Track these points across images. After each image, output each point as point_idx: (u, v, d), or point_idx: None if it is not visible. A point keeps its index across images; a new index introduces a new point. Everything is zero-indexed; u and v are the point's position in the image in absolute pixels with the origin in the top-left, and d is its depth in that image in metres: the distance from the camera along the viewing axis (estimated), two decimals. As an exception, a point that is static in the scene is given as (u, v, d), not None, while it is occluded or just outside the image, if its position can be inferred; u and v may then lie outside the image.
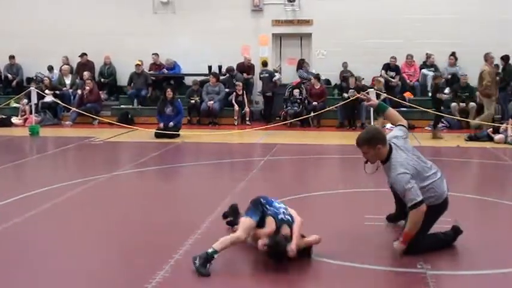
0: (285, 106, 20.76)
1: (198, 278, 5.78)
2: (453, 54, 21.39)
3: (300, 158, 13.85)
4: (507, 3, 21.29)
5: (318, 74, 21.06)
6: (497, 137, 16.02)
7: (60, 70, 22.94)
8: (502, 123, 17.00)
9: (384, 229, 7.46)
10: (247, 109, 20.79)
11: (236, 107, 20.71)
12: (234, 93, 20.89)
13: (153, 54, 22.72)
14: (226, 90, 21.09)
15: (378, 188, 9.04)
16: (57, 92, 21.51)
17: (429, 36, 21.36)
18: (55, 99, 20.81)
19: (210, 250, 5.93)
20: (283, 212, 6.40)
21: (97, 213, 8.41)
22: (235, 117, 20.69)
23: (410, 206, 6.24)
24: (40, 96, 20.11)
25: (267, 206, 6.41)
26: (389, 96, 18.70)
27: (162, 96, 18.10)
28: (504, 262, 6.20)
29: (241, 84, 21.02)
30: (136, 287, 5.49)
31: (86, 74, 22.11)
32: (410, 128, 18.86)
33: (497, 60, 19.96)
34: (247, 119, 20.76)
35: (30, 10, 23.48)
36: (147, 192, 10.09)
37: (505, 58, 19.72)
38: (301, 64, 21.88)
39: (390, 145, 6.55)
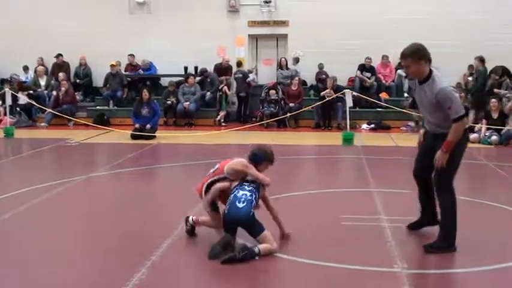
0: (261, 107, 20.76)
1: (174, 279, 5.77)
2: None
3: (277, 158, 13.82)
4: (483, 3, 21.42)
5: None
6: (471, 136, 16.10)
7: (35, 71, 22.77)
8: (476, 123, 17.12)
9: (361, 229, 7.49)
10: (223, 111, 20.80)
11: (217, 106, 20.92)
12: (217, 92, 20.92)
13: (129, 55, 22.62)
14: (203, 92, 21.07)
15: (354, 188, 9.09)
16: (32, 92, 21.34)
17: (405, 36, 21.22)
18: (29, 101, 20.65)
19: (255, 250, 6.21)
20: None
21: (73, 215, 8.36)
22: (218, 118, 20.72)
23: (455, 118, 6.42)
24: (15, 98, 19.95)
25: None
26: (365, 97, 18.80)
27: (138, 97, 18.00)
28: (480, 261, 6.24)
29: (224, 80, 21.15)
30: (113, 288, 5.48)
31: (61, 75, 21.97)
32: (386, 128, 19.11)
33: (472, 61, 20.15)
34: (221, 120, 20.69)
35: (5, 11, 23.30)
36: (124, 194, 10.06)
37: (480, 59, 19.89)
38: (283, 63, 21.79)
39: (431, 69, 6.65)
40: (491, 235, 7.31)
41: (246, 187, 6.58)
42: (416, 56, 6.61)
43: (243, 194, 6.49)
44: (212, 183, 6.92)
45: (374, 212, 8.32)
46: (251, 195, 6.48)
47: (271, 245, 6.32)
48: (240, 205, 6.39)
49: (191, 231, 7.10)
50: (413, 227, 7.38)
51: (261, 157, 6.95)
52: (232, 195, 6.54)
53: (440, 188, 6.72)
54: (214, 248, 6.19)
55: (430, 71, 6.64)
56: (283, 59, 21.91)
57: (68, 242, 7.08)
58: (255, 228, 6.37)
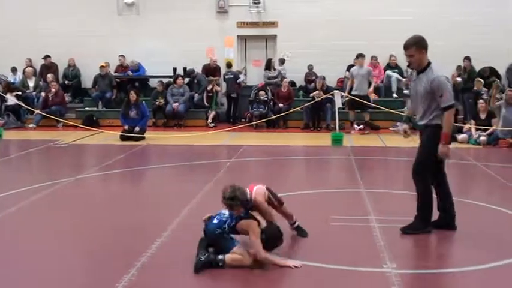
0: (250, 108, 20.76)
1: (164, 281, 5.77)
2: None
3: (266, 159, 13.88)
4: (470, 4, 21.50)
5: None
6: (460, 136, 16.21)
7: (24, 72, 22.69)
8: (465, 124, 17.19)
9: (350, 229, 7.52)
10: (213, 112, 20.81)
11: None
12: (205, 92, 20.89)
13: (119, 56, 22.57)
14: (191, 93, 21.07)
15: (344, 189, 9.10)
16: (20, 93, 21.27)
17: (393, 38, 21.36)
18: (18, 102, 20.58)
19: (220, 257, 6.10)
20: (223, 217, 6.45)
21: (62, 217, 8.34)
22: (209, 119, 20.73)
23: (445, 106, 6.95)
24: (3, 99, 19.87)
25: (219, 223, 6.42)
26: (354, 98, 18.82)
27: (126, 99, 17.96)
28: (469, 260, 6.28)
29: (213, 80, 21.13)
30: (103, 290, 5.47)
31: (49, 76, 21.93)
32: (375, 128, 19.15)
33: (461, 62, 20.27)
34: (210, 120, 20.69)
35: (-7, 12, 23.25)
36: (113, 195, 10.04)
37: (468, 59, 20.03)
38: (269, 64, 21.80)
39: (429, 61, 7.24)
40: (479, 235, 7.35)
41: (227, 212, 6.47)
42: (419, 45, 7.18)
43: (220, 213, 6.47)
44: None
45: (363, 212, 8.34)
46: (227, 218, 6.37)
47: (243, 256, 6.13)
48: (214, 220, 6.40)
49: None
50: (437, 225, 7.50)
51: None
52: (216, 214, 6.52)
53: (419, 175, 7.26)
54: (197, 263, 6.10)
55: (429, 62, 7.20)
56: (269, 60, 21.94)
57: (56, 243, 7.06)
58: (221, 245, 6.26)
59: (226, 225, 6.32)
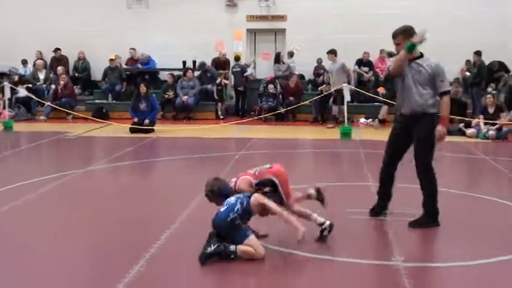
0: (259, 101, 20.74)
1: (173, 272, 5.76)
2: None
3: (274, 152, 13.84)
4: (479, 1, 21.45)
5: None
6: (469, 131, 16.16)
7: (34, 65, 22.73)
8: (473, 118, 17.13)
9: (359, 223, 7.49)
10: (223, 104, 20.87)
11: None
12: (215, 85, 20.91)
13: (130, 48, 22.56)
14: (202, 86, 21.06)
15: (353, 182, 9.07)
16: (30, 86, 21.31)
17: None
18: (29, 94, 20.61)
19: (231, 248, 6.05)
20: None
21: (72, 208, 8.35)
22: (219, 111, 20.85)
23: (445, 90, 7.22)
24: (13, 92, 19.92)
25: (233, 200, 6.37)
26: (362, 91, 18.80)
27: (136, 91, 17.97)
28: (478, 254, 6.25)
29: (222, 73, 21.15)
30: (113, 280, 5.46)
31: (59, 68, 21.96)
32: (382, 122, 19.09)
33: (470, 56, 20.21)
34: (220, 112, 20.73)
35: (3, 5, 23.25)
36: (122, 187, 10.04)
37: (478, 53, 19.94)
38: (278, 57, 21.73)
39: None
40: (489, 229, 7.32)
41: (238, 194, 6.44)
42: (407, 33, 7.26)
43: (228, 200, 6.36)
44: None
45: (372, 206, 8.30)
46: (235, 201, 6.27)
47: (256, 250, 6.06)
48: (222, 209, 6.28)
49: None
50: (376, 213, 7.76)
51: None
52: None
53: (424, 170, 7.39)
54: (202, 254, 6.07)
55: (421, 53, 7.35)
56: (278, 53, 21.88)
57: (66, 234, 7.07)
58: (234, 235, 6.14)
59: (239, 207, 6.20)
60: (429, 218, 7.31)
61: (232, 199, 6.33)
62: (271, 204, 6.21)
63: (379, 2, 21.57)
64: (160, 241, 6.57)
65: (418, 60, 7.25)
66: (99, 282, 5.62)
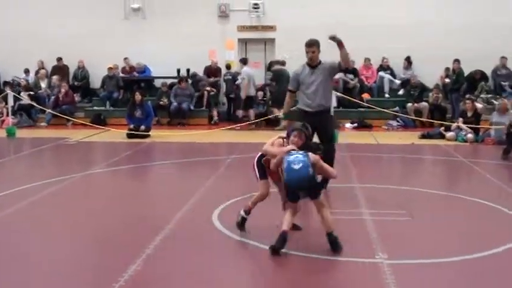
0: (250, 107, 20.74)
1: (169, 271, 5.77)
2: (407, 58, 21.65)
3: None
4: (459, 11, 21.48)
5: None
6: (448, 134, 16.23)
7: (36, 74, 22.73)
8: (453, 122, 17.20)
9: (344, 222, 7.51)
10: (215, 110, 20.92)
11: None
12: (206, 93, 20.93)
13: (125, 58, 22.57)
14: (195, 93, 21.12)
15: (338, 184, 9.09)
16: (32, 93, 21.30)
17: (386, 41, 21.49)
18: (30, 102, 20.58)
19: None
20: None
21: (72, 210, 8.34)
22: (215, 117, 20.90)
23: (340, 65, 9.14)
24: (16, 99, 19.90)
25: None
26: (348, 97, 18.88)
27: (132, 99, 17.96)
28: (458, 251, 6.29)
29: (206, 84, 21.22)
30: (110, 280, 5.44)
31: (54, 78, 22.14)
32: (368, 127, 19.21)
33: (450, 64, 20.34)
34: (215, 117, 20.79)
35: (4, 15, 23.17)
36: (120, 190, 10.04)
37: (457, 61, 20.09)
38: (270, 66, 21.76)
39: None
40: (468, 227, 7.38)
41: (295, 152, 6.34)
42: (318, 45, 9.10)
43: (295, 157, 6.24)
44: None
45: (356, 206, 8.35)
46: (304, 157, 6.22)
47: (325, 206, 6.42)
48: (296, 167, 6.16)
49: (241, 224, 6.84)
50: None
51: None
52: (286, 163, 6.28)
53: (333, 152, 9.09)
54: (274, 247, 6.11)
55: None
56: (271, 62, 21.86)
57: (65, 235, 7.06)
58: (317, 188, 6.38)
59: (309, 163, 6.21)
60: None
61: (299, 156, 6.26)
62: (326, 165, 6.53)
63: (365, 14, 21.54)
64: (156, 242, 6.57)
65: (318, 67, 9.11)
66: (97, 281, 5.62)
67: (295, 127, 6.69)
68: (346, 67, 9.38)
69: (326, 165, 6.51)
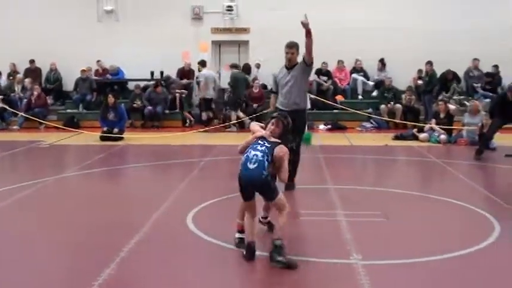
0: (224, 109, 20.72)
1: (143, 274, 5.72)
2: (381, 60, 21.78)
3: (238, 158, 13.79)
4: (431, 14, 21.69)
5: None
6: (421, 135, 16.35)
7: (9, 77, 22.54)
8: (426, 123, 17.34)
9: (318, 223, 7.52)
10: (186, 113, 20.87)
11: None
12: (178, 95, 20.86)
13: (98, 61, 22.43)
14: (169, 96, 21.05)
15: (312, 185, 9.10)
16: (3, 96, 21.07)
17: (359, 44, 21.59)
18: (3, 105, 20.37)
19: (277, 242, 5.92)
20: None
21: (44, 214, 8.24)
22: (188, 120, 20.82)
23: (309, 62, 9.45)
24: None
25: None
26: (322, 99, 18.93)
27: (105, 101, 17.85)
28: (431, 251, 6.30)
29: (176, 87, 21.22)
30: (84, 284, 5.39)
31: (26, 81, 21.93)
32: (342, 128, 19.28)
33: (422, 66, 20.49)
34: (189, 120, 20.72)
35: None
36: (93, 193, 9.94)
37: (430, 63, 20.26)
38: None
39: None
40: (442, 226, 7.43)
41: (258, 147, 6.23)
42: (298, 47, 9.52)
43: (254, 155, 6.16)
44: None
45: (331, 207, 8.36)
46: (262, 156, 6.10)
47: (286, 204, 6.14)
48: (251, 166, 6.09)
49: (241, 244, 6.42)
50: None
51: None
52: (244, 157, 6.26)
53: (298, 149, 9.42)
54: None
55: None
56: (246, 64, 21.87)
57: (38, 239, 6.97)
58: (270, 191, 6.11)
59: (267, 163, 6.07)
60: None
61: (259, 154, 6.14)
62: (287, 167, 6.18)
63: (338, 17, 21.51)
64: (130, 245, 6.51)
65: (294, 67, 9.54)
66: (70, 285, 5.56)
67: (273, 115, 6.59)
68: (311, 62, 9.48)
69: (286, 166, 6.16)
